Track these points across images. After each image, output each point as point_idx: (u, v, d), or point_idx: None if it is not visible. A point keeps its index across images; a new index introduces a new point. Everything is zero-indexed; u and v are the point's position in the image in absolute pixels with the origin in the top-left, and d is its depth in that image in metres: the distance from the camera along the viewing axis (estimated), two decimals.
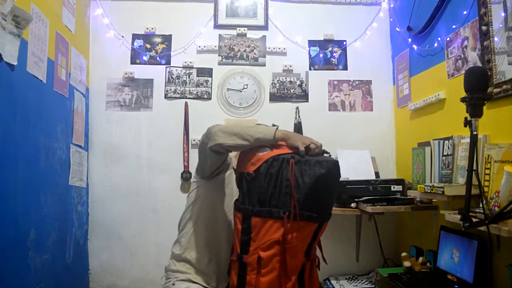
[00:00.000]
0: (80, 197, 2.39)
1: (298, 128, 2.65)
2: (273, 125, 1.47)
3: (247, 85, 2.70)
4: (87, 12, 2.59)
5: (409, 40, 2.44)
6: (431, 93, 2.15)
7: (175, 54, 2.68)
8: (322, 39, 2.77)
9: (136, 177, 2.59)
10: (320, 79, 2.74)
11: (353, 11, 2.79)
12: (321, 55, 2.76)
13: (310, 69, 2.75)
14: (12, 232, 1.59)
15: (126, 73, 2.63)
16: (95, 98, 2.61)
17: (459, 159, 1.76)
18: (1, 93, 1.54)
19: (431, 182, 1.95)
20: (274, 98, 2.72)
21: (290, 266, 1.29)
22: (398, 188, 2.19)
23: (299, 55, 2.74)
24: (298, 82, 2.73)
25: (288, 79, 2.73)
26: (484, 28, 1.70)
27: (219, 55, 2.71)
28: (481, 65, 1.72)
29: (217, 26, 2.72)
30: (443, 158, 1.88)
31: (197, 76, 2.69)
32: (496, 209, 1.38)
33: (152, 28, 2.68)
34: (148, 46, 2.67)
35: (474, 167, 1.31)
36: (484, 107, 1.34)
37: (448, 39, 2.02)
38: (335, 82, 2.75)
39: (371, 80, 2.76)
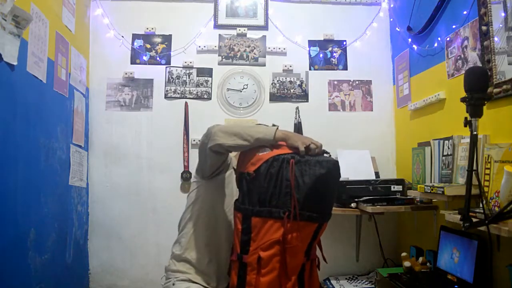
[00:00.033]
0: (80, 197, 2.39)
1: (298, 128, 2.65)
2: (273, 125, 1.47)
3: (247, 85, 2.70)
4: (87, 12, 2.59)
5: (409, 40, 2.44)
6: (431, 93, 2.15)
7: (175, 54, 2.68)
8: (322, 39, 2.77)
9: (136, 177, 2.59)
10: (320, 79, 2.74)
11: (353, 11, 2.79)
12: (321, 55, 2.76)
13: (310, 69, 2.75)
14: (12, 232, 1.59)
15: (126, 73, 2.63)
16: (95, 98, 2.61)
17: (459, 159, 1.76)
18: (1, 93, 1.54)
19: (431, 182, 1.95)
20: (274, 98, 2.72)
21: (290, 266, 1.30)
22: (398, 188, 2.19)
23: (299, 55, 2.74)
24: (298, 82, 2.73)
25: (288, 79, 2.73)
26: (484, 28, 1.70)
27: (219, 55, 2.71)
28: (481, 65, 1.72)
29: (217, 26, 2.72)
30: (443, 158, 1.88)
31: (197, 76, 2.69)
32: (496, 209, 1.38)
33: (152, 28, 2.68)
34: (148, 46, 2.67)
35: (474, 167, 1.31)
36: (484, 107, 1.34)
37: (448, 39, 2.02)
38: (335, 82, 2.75)
39: (371, 80, 2.76)
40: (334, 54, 2.76)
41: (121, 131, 2.61)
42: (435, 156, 1.96)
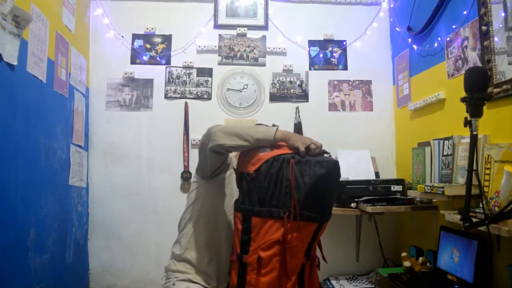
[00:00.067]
0: (80, 197, 2.39)
1: (298, 128, 2.65)
2: (273, 125, 1.47)
3: (247, 85, 2.70)
4: (87, 12, 2.59)
5: (409, 40, 2.44)
6: (431, 93, 2.15)
7: (175, 54, 2.68)
8: (322, 39, 2.77)
9: (136, 177, 2.59)
10: (320, 79, 2.74)
11: (353, 11, 2.79)
12: (321, 55, 2.76)
13: (310, 69, 2.75)
14: (12, 232, 1.59)
15: (126, 73, 2.63)
16: (95, 98, 2.61)
17: (459, 159, 1.76)
18: (1, 93, 1.54)
19: (431, 182, 1.95)
20: (274, 98, 2.72)
21: (290, 266, 1.29)
22: (398, 188, 2.19)
23: (299, 55, 2.74)
24: (298, 82, 2.73)
25: (288, 79, 2.73)
26: (484, 28, 1.70)
27: (219, 55, 2.71)
28: (481, 65, 1.72)
29: (217, 26, 2.72)
30: (443, 158, 1.88)
31: (197, 76, 2.69)
32: (496, 209, 1.38)
33: (152, 28, 2.68)
34: (148, 46, 2.67)
35: (474, 167, 1.31)
36: (484, 107, 1.34)
37: (448, 39, 2.02)
38: (335, 82, 2.75)
39: (371, 80, 2.76)
40: (334, 54, 2.76)
41: (121, 131, 2.61)
42: (435, 156, 1.96)
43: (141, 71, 2.65)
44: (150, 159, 2.61)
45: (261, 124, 1.67)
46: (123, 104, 2.63)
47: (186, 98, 2.66)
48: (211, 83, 2.69)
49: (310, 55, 2.76)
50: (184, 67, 2.68)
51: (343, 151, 2.52)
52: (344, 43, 2.77)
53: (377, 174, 2.50)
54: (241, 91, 2.69)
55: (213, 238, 1.52)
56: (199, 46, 2.69)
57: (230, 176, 1.58)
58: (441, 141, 1.91)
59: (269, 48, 2.73)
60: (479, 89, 1.33)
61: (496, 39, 1.65)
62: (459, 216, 1.44)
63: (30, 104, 1.77)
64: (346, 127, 2.71)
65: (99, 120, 2.60)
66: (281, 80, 2.73)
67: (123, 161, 2.59)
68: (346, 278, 2.45)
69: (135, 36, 2.67)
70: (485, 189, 1.47)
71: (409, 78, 2.46)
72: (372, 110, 2.75)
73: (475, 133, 1.31)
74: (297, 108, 2.69)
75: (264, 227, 1.30)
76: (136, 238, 2.56)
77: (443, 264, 1.85)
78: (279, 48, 2.73)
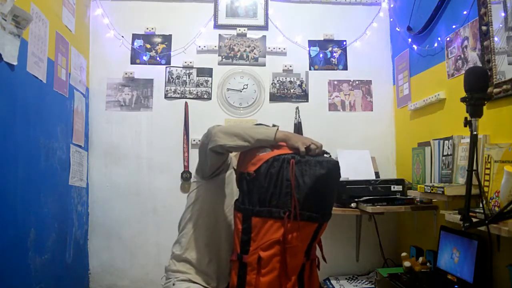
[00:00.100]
0: (80, 197, 2.39)
1: (298, 128, 2.65)
2: (273, 125, 1.47)
3: (247, 85, 2.70)
4: (87, 12, 2.59)
5: (409, 40, 2.44)
6: (431, 93, 2.15)
7: (175, 54, 2.68)
8: (322, 39, 2.77)
9: (136, 177, 2.59)
10: (320, 79, 2.74)
11: (353, 11, 2.79)
12: (321, 55, 2.76)
13: (310, 69, 2.75)
14: (12, 232, 1.59)
15: (126, 73, 2.63)
16: (95, 98, 2.60)
17: (459, 159, 1.76)
18: (1, 93, 1.54)
19: (431, 182, 1.95)
20: (274, 98, 2.72)
21: (290, 266, 1.30)
22: (398, 188, 2.19)
23: (299, 55, 2.74)
24: (298, 82, 2.73)
25: (288, 79, 2.73)
26: (484, 28, 1.70)
27: (219, 55, 2.71)
28: (481, 65, 1.72)
29: (217, 26, 2.72)
30: (443, 158, 1.88)
31: (197, 76, 2.69)
32: (496, 209, 1.38)
33: (152, 28, 2.68)
34: (148, 46, 2.67)
35: (474, 167, 1.31)
36: (484, 107, 1.34)
37: (448, 39, 2.02)
38: (335, 82, 2.75)
39: (371, 80, 2.76)
40: (334, 54, 2.76)
41: (121, 131, 2.61)
42: (435, 156, 1.96)
43: (141, 71, 2.65)
44: (150, 159, 2.61)
45: (261, 124, 1.67)
46: (123, 104, 2.63)
47: (186, 98, 2.66)
48: (211, 83, 2.69)
49: (310, 55, 2.76)
50: (184, 67, 2.68)
51: (343, 151, 2.52)
52: (344, 43, 2.77)
53: (377, 174, 2.50)
54: (241, 91, 2.69)
55: (213, 238, 1.52)
56: (199, 46, 2.69)
57: (230, 176, 1.58)
58: (441, 141, 1.91)
59: (269, 48, 2.73)
60: (479, 89, 1.33)
61: (496, 39, 1.65)
62: (459, 216, 1.44)
63: (30, 104, 1.77)
64: (346, 127, 2.71)
65: (99, 120, 2.60)
66: (281, 80, 2.73)
67: (123, 161, 2.59)
68: (346, 278, 2.45)
69: (135, 36, 2.67)
70: (485, 189, 1.47)
71: (409, 78, 2.46)
72: (372, 110, 2.75)
73: (475, 133, 1.31)
74: (297, 108, 2.69)
75: (264, 227, 1.30)
76: (136, 238, 2.56)
77: (443, 264, 1.85)
78: (279, 48, 2.73)
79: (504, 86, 1.58)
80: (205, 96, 2.68)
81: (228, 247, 1.51)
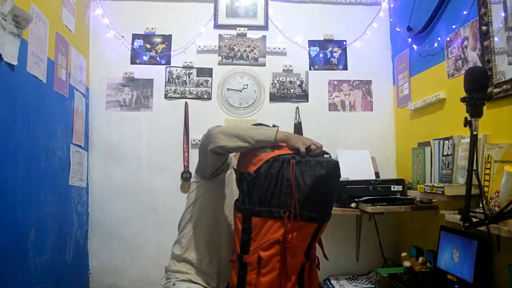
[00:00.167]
0: (80, 197, 2.39)
1: (298, 128, 2.65)
2: (274, 126, 1.47)
3: (247, 85, 2.70)
4: (87, 12, 2.59)
5: (409, 40, 2.44)
6: (431, 93, 2.15)
7: (175, 54, 2.68)
8: (322, 39, 2.77)
9: (136, 177, 2.59)
10: (320, 79, 2.74)
11: (353, 11, 2.79)
12: (321, 55, 2.76)
13: (310, 69, 2.75)
14: (12, 232, 1.59)
15: (126, 73, 2.63)
16: (95, 98, 2.60)
17: (459, 159, 1.76)
18: (1, 93, 1.54)
19: (431, 182, 1.95)
20: (274, 98, 2.72)
21: (290, 266, 1.30)
22: (398, 188, 2.19)
23: (299, 55, 2.74)
24: (298, 82, 2.73)
25: (288, 79, 2.73)
26: (484, 28, 1.70)
27: (219, 55, 2.71)
28: (481, 65, 1.72)
29: (217, 26, 2.72)
30: (443, 158, 1.88)
31: (197, 76, 2.69)
32: (496, 209, 1.38)
33: (152, 28, 2.68)
34: (148, 46, 2.67)
35: (474, 167, 1.31)
36: (484, 107, 1.34)
37: (448, 39, 2.02)
38: (335, 82, 2.75)
39: (371, 80, 2.76)
40: (334, 54, 2.76)
41: (121, 131, 2.61)
42: (435, 156, 1.96)
43: (141, 71, 2.65)
44: (150, 159, 2.61)
45: (261, 124, 1.67)
46: (123, 104, 2.63)
47: (186, 98, 2.66)
48: (211, 83, 2.69)
49: (310, 55, 2.76)
50: (184, 67, 2.68)
51: (343, 151, 2.52)
52: (344, 43, 2.77)
53: (377, 174, 2.50)
54: (241, 91, 2.69)
55: (213, 238, 1.52)
56: (199, 46, 2.69)
57: (230, 176, 1.59)
58: (441, 141, 1.91)
59: (269, 48, 2.73)
60: (479, 89, 1.33)
61: (496, 39, 1.65)
62: (459, 216, 1.44)
63: (30, 104, 1.77)
64: (346, 127, 2.71)
65: (99, 120, 2.60)
66: (281, 80, 2.73)
67: (123, 161, 2.59)
68: (346, 278, 2.45)
69: (135, 36, 2.67)
70: (485, 189, 1.47)
71: (409, 78, 2.46)
72: (372, 110, 2.75)
73: (475, 133, 1.31)
74: (297, 108, 2.69)
75: (264, 227, 1.30)
76: (136, 238, 2.56)
77: (443, 264, 1.85)
78: (279, 48, 2.73)
79: (504, 86, 1.58)
80: (205, 96, 2.68)
81: (228, 247, 1.51)
